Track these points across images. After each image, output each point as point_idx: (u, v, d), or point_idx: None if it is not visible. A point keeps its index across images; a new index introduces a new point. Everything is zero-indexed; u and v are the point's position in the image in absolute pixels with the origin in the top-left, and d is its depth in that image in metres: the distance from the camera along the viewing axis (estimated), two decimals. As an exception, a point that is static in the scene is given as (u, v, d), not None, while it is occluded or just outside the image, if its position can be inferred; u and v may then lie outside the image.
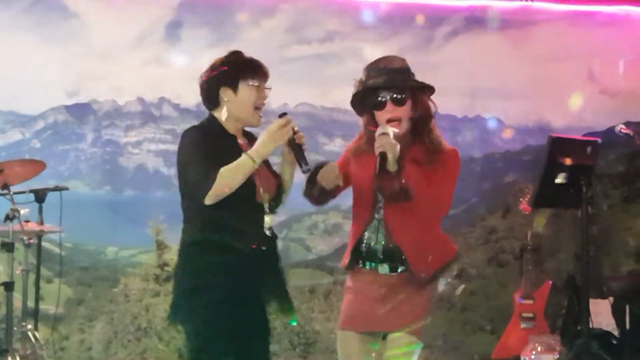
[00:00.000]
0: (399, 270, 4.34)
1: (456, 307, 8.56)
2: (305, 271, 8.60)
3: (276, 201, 4.38)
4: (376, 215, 4.36)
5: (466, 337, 8.52)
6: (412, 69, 4.44)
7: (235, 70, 4.25)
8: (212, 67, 4.31)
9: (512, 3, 8.84)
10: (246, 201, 4.18)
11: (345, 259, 4.49)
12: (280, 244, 8.31)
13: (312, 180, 4.34)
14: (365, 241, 4.38)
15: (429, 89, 4.41)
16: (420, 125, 4.37)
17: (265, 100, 4.31)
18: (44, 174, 6.64)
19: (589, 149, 5.36)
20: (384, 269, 4.36)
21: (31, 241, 6.49)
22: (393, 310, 4.33)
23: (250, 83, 4.24)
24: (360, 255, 4.42)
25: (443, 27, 8.76)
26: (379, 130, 4.22)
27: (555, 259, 8.34)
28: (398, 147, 4.15)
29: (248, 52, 4.35)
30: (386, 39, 8.50)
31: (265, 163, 4.32)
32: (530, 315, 7.69)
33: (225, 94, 4.25)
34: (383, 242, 4.34)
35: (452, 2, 8.71)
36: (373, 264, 4.38)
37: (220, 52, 4.43)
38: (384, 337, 4.41)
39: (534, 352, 7.15)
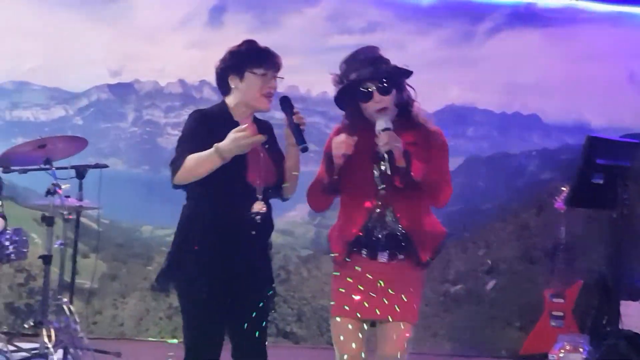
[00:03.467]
0: (399, 257, 4.30)
1: (485, 302, 8.58)
2: (336, 259, 8.62)
3: (275, 191, 4.46)
4: (379, 203, 4.31)
5: (494, 332, 8.54)
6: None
7: (242, 59, 4.40)
8: (224, 56, 4.46)
9: (555, 1, 8.83)
10: (235, 184, 4.29)
11: (339, 252, 4.39)
12: (312, 230, 8.49)
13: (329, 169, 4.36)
14: (367, 229, 4.31)
15: (408, 73, 4.36)
16: (407, 110, 4.38)
17: (273, 88, 4.41)
18: (85, 151, 6.73)
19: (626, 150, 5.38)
20: (384, 256, 4.30)
21: (70, 217, 6.59)
22: (393, 299, 4.25)
23: (256, 72, 4.36)
24: (358, 244, 4.33)
25: (485, 23, 8.75)
26: (379, 126, 4.20)
27: (588, 258, 8.32)
28: (401, 140, 4.16)
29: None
30: (427, 32, 8.49)
31: (271, 150, 4.42)
32: (560, 313, 7.72)
33: (233, 81, 4.41)
34: (388, 230, 4.29)
35: (496, -2, 8.73)
36: (371, 252, 4.31)
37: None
38: (373, 324, 4.37)
39: (562, 351, 7.17)
